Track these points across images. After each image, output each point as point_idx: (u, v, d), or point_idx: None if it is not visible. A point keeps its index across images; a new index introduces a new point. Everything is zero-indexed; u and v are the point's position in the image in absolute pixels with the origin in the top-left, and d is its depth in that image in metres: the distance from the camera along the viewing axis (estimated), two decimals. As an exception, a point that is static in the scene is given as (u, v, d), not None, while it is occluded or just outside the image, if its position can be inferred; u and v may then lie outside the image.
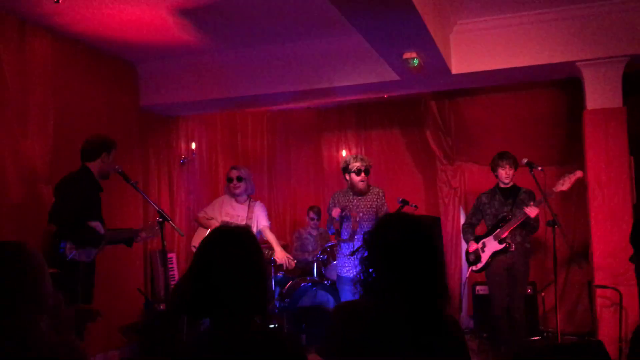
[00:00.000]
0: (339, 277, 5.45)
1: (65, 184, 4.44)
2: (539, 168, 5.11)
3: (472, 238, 5.54)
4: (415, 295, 1.95)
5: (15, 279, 1.88)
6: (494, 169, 5.47)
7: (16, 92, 5.00)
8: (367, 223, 5.23)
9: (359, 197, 5.31)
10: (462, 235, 5.80)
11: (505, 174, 5.37)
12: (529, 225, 5.26)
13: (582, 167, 5.79)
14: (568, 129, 6.65)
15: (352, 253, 5.13)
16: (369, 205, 5.31)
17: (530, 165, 5.13)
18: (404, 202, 5.05)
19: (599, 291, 5.46)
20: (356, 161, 5.25)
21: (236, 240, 1.98)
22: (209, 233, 2.00)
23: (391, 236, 2.01)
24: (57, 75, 5.45)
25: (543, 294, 6.46)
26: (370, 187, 5.38)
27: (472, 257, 5.54)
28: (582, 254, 6.29)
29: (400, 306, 1.94)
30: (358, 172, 5.23)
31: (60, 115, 5.41)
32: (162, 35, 5.73)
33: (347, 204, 5.32)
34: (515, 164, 5.38)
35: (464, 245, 5.97)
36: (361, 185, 5.25)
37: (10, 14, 4.94)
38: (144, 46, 6.05)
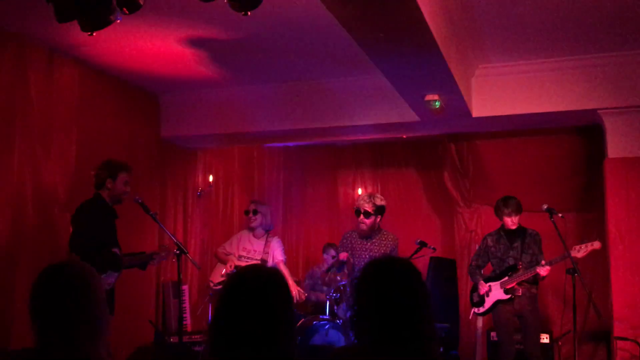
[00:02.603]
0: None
1: (79, 212, 4.48)
2: (560, 215, 5.07)
3: (480, 279, 5.49)
4: (401, 339, 1.91)
5: (77, 301, 1.90)
6: (498, 215, 5.43)
7: (42, 119, 5.08)
8: None
9: (368, 241, 5.07)
10: (469, 276, 5.73)
11: (511, 221, 5.33)
12: (537, 276, 5.23)
13: (602, 215, 5.76)
14: (587, 176, 6.62)
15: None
16: (375, 250, 5.03)
17: (550, 211, 5.09)
18: (422, 244, 5.01)
19: (618, 343, 5.35)
20: (359, 201, 5.01)
21: (257, 286, 1.91)
22: (229, 278, 1.95)
23: (374, 281, 2.01)
24: (82, 104, 5.52)
25: (560, 342, 6.33)
26: (382, 232, 5.12)
27: (475, 298, 5.48)
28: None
29: (390, 351, 1.91)
30: (357, 214, 5.00)
31: (82, 143, 5.47)
32: (186, 68, 5.81)
33: (356, 245, 5.10)
34: (519, 209, 5.33)
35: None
36: (362, 227, 4.99)
37: (41, 43, 5.05)
38: (167, 79, 6.13)
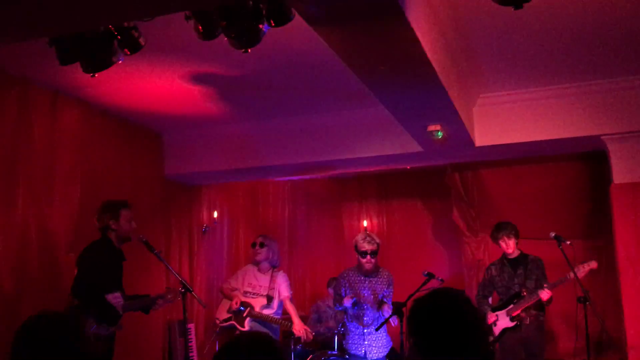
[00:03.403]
0: (351, 354, 5.34)
1: (86, 255, 4.40)
2: (568, 242, 5.02)
3: (488, 309, 5.50)
4: None
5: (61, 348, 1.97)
6: (495, 241, 5.51)
7: (45, 160, 5.09)
8: (372, 305, 5.26)
9: (367, 278, 5.32)
10: (477, 307, 5.67)
11: (505, 245, 5.39)
12: (542, 302, 5.20)
13: (610, 240, 5.70)
14: (593, 202, 6.58)
15: (378, 328, 5.09)
16: (377, 288, 5.32)
17: (558, 239, 5.05)
18: (430, 276, 4.95)
19: (633, 372, 5.24)
20: (364, 242, 5.27)
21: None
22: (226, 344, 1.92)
23: (440, 313, 2.05)
24: (85, 144, 5.54)
25: (574, 373, 6.22)
26: (379, 268, 5.39)
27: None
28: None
29: None
30: (363, 255, 5.25)
31: (86, 183, 5.47)
32: (188, 106, 5.84)
33: (356, 283, 5.32)
34: (516, 234, 5.39)
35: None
36: (367, 266, 5.27)
37: (45, 85, 5.09)
38: (170, 117, 6.16)
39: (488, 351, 2.09)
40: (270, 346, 1.90)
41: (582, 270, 5.08)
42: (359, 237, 5.38)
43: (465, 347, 1.99)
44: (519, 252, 5.43)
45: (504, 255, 5.48)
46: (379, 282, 5.34)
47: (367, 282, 5.33)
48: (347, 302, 5.21)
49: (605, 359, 6.40)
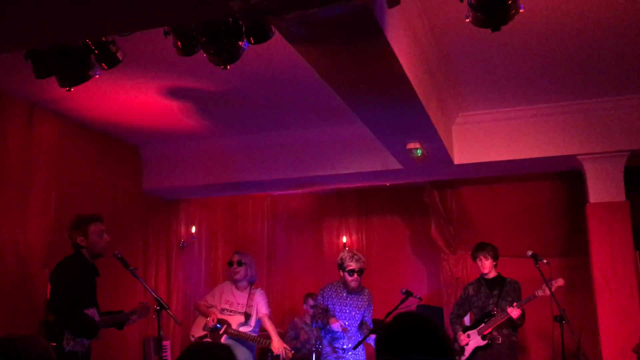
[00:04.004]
0: None
1: (58, 270, 4.28)
2: (544, 261, 5.05)
3: (460, 329, 5.53)
4: None
5: None
6: (474, 260, 5.57)
7: (19, 174, 5.01)
8: (354, 323, 5.35)
9: (351, 295, 5.38)
10: (450, 325, 5.68)
11: (481, 264, 5.46)
12: (513, 321, 5.22)
13: (586, 260, 5.75)
14: (570, 221, 6.64)
15: (355, 347, 5.08)
16: (359, 306, 5.39)
17: (535, 257, 5.07)
18: (408, 294, 4.95)
19: (609, 391, 5.26)
20: (352, 261, 5.32)
21: None
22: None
23: (407, 335, 2.04)
24: (62, 157, 5.47)
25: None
26: (363, 288, 5.46)
27: (457, 347, 5.46)
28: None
29: None
30: (351, 273, 5.30)
31: (62, 197, 5.39)
32: (167, 120, 5.81)
33: (337, 299, 5.37)
34: (494, 255, 5.45)
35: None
36: (353, 284, 5.33)
37: (21, 98, 5.02)
38: (148, 131, 6.12)
39: None
40: None
41: (550, 287, 5.12)
42: (346, 255, 5.39)
43: None
44: (497, 273, 5.47)
45: (482, 276, 5.52)
46: (361, 301, 5.39)
47: (349, 299, 5.36)
48: (336, 326, 5.20)
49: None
